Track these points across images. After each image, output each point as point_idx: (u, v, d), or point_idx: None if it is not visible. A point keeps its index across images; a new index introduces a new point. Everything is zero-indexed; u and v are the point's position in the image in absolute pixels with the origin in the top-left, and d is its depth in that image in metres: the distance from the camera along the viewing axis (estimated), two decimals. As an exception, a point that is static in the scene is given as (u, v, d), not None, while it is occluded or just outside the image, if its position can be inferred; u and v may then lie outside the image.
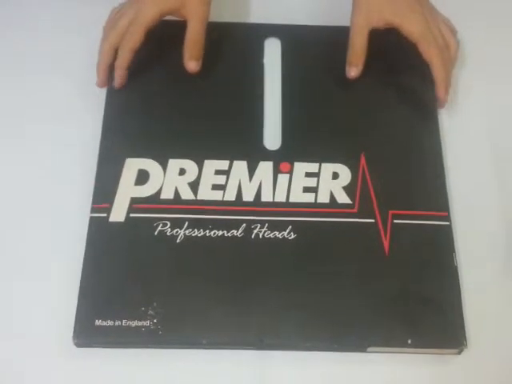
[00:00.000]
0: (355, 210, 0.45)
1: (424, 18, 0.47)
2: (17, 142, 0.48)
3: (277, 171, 0.46)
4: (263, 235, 0.43)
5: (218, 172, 0.45)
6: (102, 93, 0.49)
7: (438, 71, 0.47)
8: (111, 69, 0.48)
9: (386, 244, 0.43)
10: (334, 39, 0.51)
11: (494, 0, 0.56)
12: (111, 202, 0.44)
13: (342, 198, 0.45)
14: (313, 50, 0.51)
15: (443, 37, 0.49)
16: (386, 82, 0.50)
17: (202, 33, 0.47)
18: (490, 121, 0.51)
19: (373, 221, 0.44)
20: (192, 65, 0.48)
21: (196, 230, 0.43)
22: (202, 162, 0.46)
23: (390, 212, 0.44)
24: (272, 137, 0.47)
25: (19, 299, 0.43)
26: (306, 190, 0.45)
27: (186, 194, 0.45)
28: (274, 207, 0.44)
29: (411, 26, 0.47)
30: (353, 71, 0.48)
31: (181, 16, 0.48)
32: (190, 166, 0.46)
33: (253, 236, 0.43)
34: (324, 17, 0.53)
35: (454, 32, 0.51)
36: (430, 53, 0.47)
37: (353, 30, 0.48)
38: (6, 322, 0.42)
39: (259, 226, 0.44)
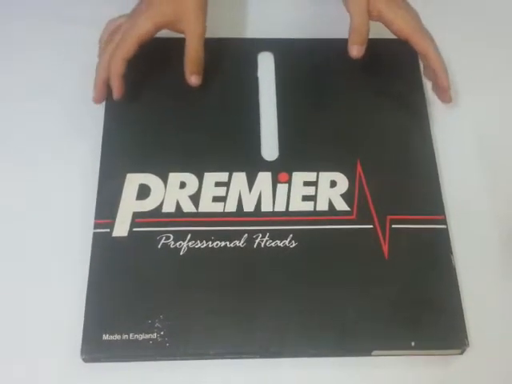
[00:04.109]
0: (354, 217, 0.45)
1: (414, 14, 0.49)
2: (16, 159, 0.49)
3: (276, 181, 0.46)
4: (265, 244, 0.44)
5: (218, 184, 0.46)
6: (101, 109, 0.49)
7: (436, 61, 0.48)
8: (108, 84, 0.48)
9: (386, 248, 0.44)
10: (324, 51, 0.52)
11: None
12: (114, 218, 0.44)
13: (341, 206, 0.46)
14: (304, 61, 0.52)
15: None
16: (378, 90, 0.51)
17: (201, 48, 0.48)
18: (482, 124, 0.52)
19: (371, 226, 0.45)
20: (194, 79, 0.48)
21: (199, 241, 0.44)
22: (202, 174, 0.46)
23: (388, 217, 0.45)
24: (269, 148, 0.48)
25: (25, 316, 0.43)
26: (305, 198, 0.46)
27: (188, 207, 0.45)
28: (275, 217, 0.45)
29: (403, 22, 0.47)
30: (355, 50, 0.46)
31: (178, 30, 0.48)
32: (190, 179, 0.46)
33: (255, 246, 0.44)
34: (314, 30, 0.55)
35: None
36: (425, 45, 0.47)
37: (353, 10, 0.47)
38: (14, 339, 0.42)
39: (261, 235, 0.44)
